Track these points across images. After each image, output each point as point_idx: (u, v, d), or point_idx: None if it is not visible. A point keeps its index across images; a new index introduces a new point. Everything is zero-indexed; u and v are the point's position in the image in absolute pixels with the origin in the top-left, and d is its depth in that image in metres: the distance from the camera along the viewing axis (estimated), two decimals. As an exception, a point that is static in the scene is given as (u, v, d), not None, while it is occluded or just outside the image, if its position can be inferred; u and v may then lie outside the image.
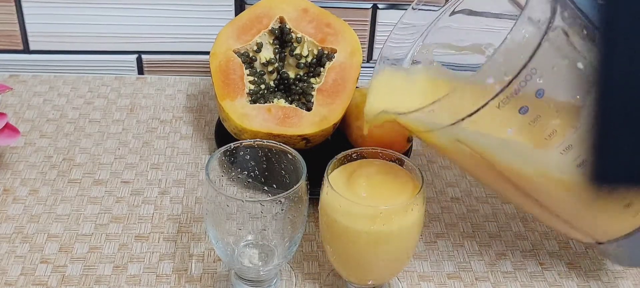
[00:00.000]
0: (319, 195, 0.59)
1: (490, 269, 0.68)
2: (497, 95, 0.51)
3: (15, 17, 0.91)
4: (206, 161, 0.60)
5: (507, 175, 0.57)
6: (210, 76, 0.86)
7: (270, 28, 0.79)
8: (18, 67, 0.95)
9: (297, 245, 0.61)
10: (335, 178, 0.59)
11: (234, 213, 0.58)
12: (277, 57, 0.80)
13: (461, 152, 0.57)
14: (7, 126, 0.74)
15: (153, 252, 0.67)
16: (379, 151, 0.61)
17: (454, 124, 0.54)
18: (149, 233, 0.70)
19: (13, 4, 0.90)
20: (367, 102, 0.63)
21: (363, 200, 0.57)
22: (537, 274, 0.67)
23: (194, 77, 0.95)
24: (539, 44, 0.51)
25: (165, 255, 0.67)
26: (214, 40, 0.80)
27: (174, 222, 0.71)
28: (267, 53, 0.80)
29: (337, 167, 0.60)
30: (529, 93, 0.52)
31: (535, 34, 0.51)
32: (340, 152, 0.61)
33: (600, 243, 0.61)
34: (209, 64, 0.79)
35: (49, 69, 0.95)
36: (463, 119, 0.54)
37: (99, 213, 0.71)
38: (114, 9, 0.91)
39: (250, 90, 0.77)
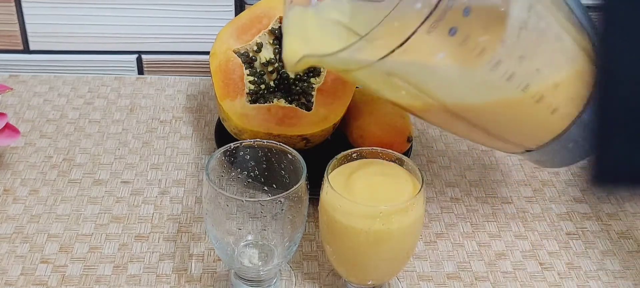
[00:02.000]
0: (319, 195, 0.59)
1: (490, 269, 0.68)
2: (426, 19, 0.50)
3: (15, 17, 0.91)
4: (206, 161, 0.60)
5: (441, 101, 0.58)
6: (210, 76, 0.86)
7: (270, 28, 0.79)
8: (18, 67, 0.95)
9: (297, 245, 0.61)
10: (335, 178, 0.59)
11: (234, 213, 0.58)
12: (277, 57, 0.80)
13: (393, 87, 0.57)
14: (7, 126, 0.74)
15: (153, 252, 0.67)
16: (379, 151, 0.61)
17: (384, 57, 0.52)
18: (149, 233, 0.70)
19: (13, 4, 0.90)
20: (284, 48, 0.60)
21: (363, 200, 0.57)
22: (537, 274, 0.67)
23: (194, 77, 0.95)
24: None
25: (165, 255, 0.67)
26: (214, 40, 0.80)
27: (174, 222, 0.71)
28: (267, 53, 0.80)
29: (337, 167, 0.60)
30: (457, 12, 0.51)
31: None
32: (340, 152, 0.61)
33: (529, 150, 0.64)
34: (209, 64, 0.79)
35: (49, 69, 0.95)
36: (393, 51, 0.51)
37: (99, 213, 0.71)
38: (114, 9, 0.91)
39: (250, 90, 0.77)
